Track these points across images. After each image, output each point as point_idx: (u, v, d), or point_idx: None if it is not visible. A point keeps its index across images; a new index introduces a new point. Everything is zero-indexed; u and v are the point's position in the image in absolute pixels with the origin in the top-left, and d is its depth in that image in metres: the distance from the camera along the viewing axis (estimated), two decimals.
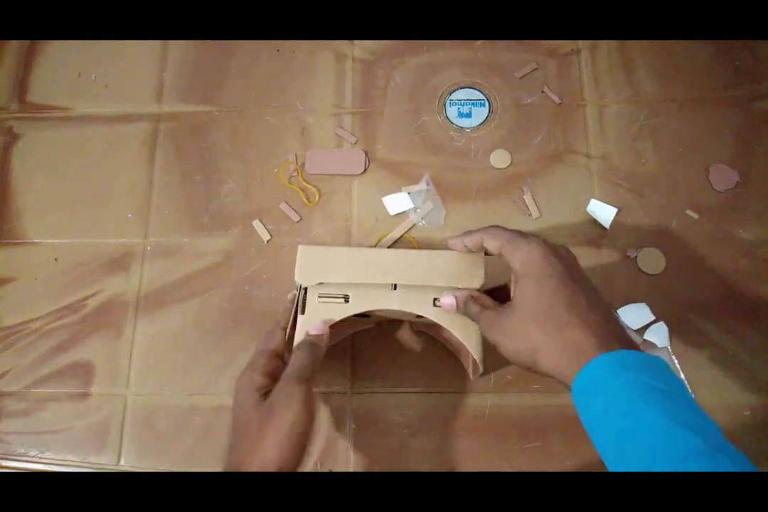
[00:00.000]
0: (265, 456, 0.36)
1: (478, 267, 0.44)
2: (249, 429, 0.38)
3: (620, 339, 0.33)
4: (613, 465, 0.31)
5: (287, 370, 0.40)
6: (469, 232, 0.41)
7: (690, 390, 0.31)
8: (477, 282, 0.44)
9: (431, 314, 0.44)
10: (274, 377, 0.40)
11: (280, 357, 0.43)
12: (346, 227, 0.56)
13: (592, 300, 0.35)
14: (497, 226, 0.39)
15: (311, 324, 0.44)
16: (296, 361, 0.40)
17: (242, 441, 0.38)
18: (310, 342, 0.42)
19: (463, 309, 0.42)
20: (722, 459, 0.28)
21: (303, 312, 0.44)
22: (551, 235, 0.55)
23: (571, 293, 0.34)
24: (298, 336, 0.44)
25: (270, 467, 0.36)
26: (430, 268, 0.44)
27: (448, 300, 0.42)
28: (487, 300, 0.41)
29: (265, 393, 0.39)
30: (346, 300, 0.44)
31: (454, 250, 0.43)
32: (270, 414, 0.37)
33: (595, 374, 0.31)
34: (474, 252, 0.43)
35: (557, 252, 0.37)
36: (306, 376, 0.39)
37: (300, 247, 0.45)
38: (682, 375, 0.50)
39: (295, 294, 0.46)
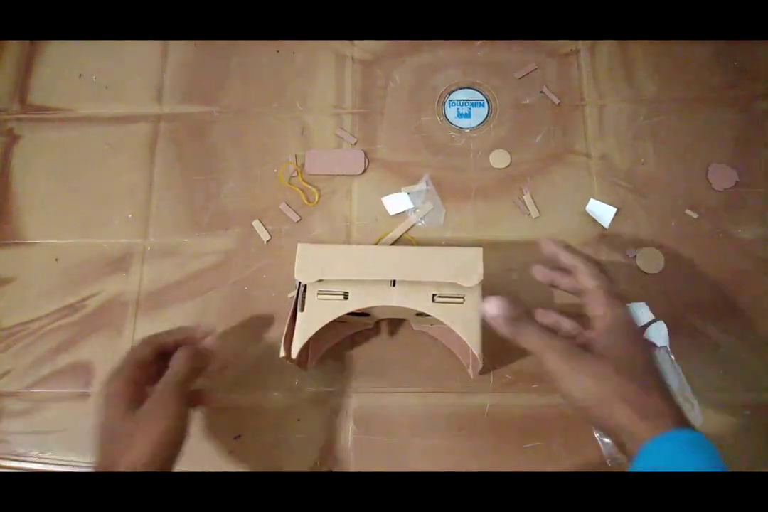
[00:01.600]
0: (133, 459, 0.36)
1: (476, 264, 0.44)
2: (118, 437, 0.38)
3: (686, 419, 0.34)
4: None
5: (165, 379, 0.40)
6: (569, 250, 0.40)
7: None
8: (476, 278, 0.44)
9: (430, 309, 0.44)
10: (141, 385, 0.40)
11: (150, 365, 0.42)
12: (345, 227, 0.56)
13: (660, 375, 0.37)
14: (600, 266, 0.39)
15: (311, 321, 0.44)
16: (177, 370, 0.40)
17: (110, 448, 0.38)
18: (197, 351, 0.42)
19: (512, 322, 0.38)
20: None
21: (302, 310, 0.45)
22: (551, 235, 0.55)
23: (651, 362, 0.37)
24: (297, 334, 0.44)
25: (138, 468, 0.36)
26: (429, 264, 0.44)
27: (491, 307, 0.38)
28: (564, 324, 0.40)
29: (132, 400, 0.39)
30: (345, 297, 0.44)
31: (544, 247, 0.41)
32: (141, 423, 0.38)
33: (669, 446, 0.32)
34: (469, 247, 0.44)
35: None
36: (183, 388, 0.40)
37: (299, 244, 0.45)
38: (682, 375, 0.50)
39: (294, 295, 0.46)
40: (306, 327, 0.44)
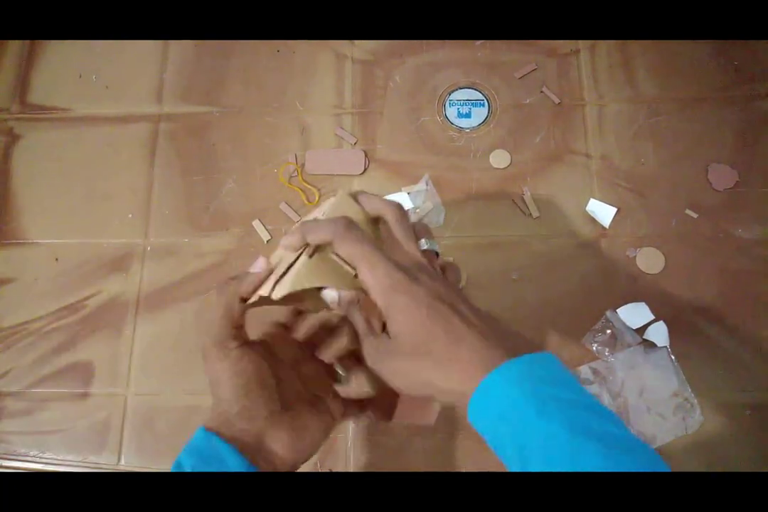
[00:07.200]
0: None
1: None
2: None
3: (508, 346, 0.31)
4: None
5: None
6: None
7: (585, 390, 0.31)
8: None
9: None
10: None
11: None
12: None
13: (467, 314, 0.33)
14: (305, 223, 0.35)
15: (314, 271, 0.35)
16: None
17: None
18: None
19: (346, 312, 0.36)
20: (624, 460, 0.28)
21: (311, 256, 0.35)
22: (551, 234, 0.55)
23: (443, 316, 0.32)
24: (292, 277, 0.35)
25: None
26: None
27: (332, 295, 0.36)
28: (372, 321, 0.36)
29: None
30: (356, 276, 0.35)
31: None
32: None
33: (486, 395, 0.30)
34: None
35: (409, 273, 0.33)
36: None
37: (340, 192, 0.37)
38: (682, 375, 0.50)
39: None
40: (305, 275, 0.34)
